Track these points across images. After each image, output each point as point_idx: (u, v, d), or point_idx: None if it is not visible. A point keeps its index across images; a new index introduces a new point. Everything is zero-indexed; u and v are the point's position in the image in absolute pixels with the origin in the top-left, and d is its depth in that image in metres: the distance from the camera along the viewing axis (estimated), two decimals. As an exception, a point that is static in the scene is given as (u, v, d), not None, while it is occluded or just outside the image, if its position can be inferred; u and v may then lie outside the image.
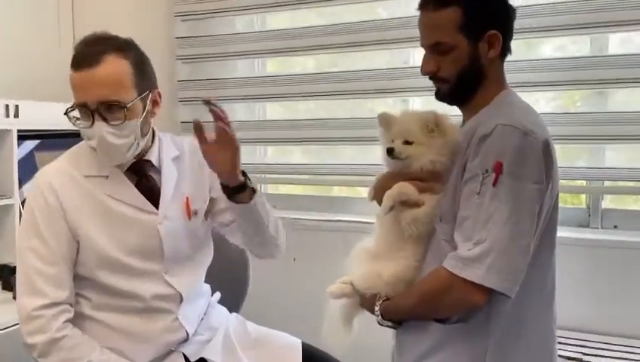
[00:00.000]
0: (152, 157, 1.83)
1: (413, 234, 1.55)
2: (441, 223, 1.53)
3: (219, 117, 1.59)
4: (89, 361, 1.68)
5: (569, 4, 2.38)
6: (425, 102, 2.63)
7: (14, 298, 1.86)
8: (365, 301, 1.62)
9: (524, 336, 1.52)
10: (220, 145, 1.61)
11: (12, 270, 2.42)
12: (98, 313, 1.77)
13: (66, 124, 1.74)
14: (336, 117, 2.91)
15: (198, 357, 1.87)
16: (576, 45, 2.54)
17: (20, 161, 2.66)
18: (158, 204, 1.82)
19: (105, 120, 1.67)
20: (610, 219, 2.51)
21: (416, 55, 2.68)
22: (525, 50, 2.57)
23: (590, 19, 2.34)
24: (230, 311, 2.09)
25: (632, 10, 2.28)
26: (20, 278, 1.72)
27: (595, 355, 2.16)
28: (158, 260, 1.81)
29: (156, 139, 1.87)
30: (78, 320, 1.75)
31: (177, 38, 3.12)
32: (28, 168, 2.65)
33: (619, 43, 2.48)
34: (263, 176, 3.10)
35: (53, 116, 2.06)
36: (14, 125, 2.62)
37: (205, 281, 2.01)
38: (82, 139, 1.76)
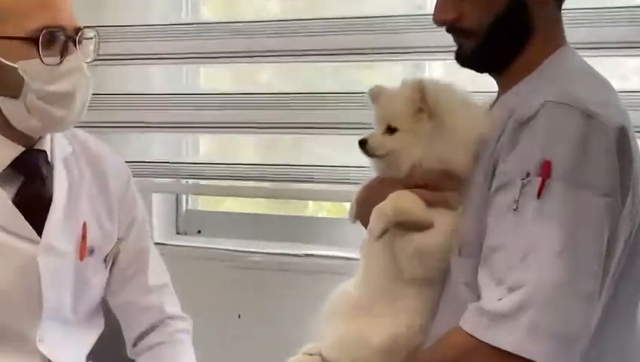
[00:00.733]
0: (46, 146, 1.42)
1: (418, 274, 1.28)
2: (460, 257, 1.26)
3: None
4: None
5: None
6: (447, 68, 2.10)
7: None
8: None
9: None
10: None
11: None
12: None
13: None
14: (313, 90, 2.17)
15: None
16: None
17: None
18: (43, 224, 1.39)
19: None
20: None
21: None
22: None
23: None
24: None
25: None
26: None
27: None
28: (32, 316, 1.39)
29: None
30: None
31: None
32: None
33: None
34: (187, 182, 2.36)
35: None
36: None
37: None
38: None
